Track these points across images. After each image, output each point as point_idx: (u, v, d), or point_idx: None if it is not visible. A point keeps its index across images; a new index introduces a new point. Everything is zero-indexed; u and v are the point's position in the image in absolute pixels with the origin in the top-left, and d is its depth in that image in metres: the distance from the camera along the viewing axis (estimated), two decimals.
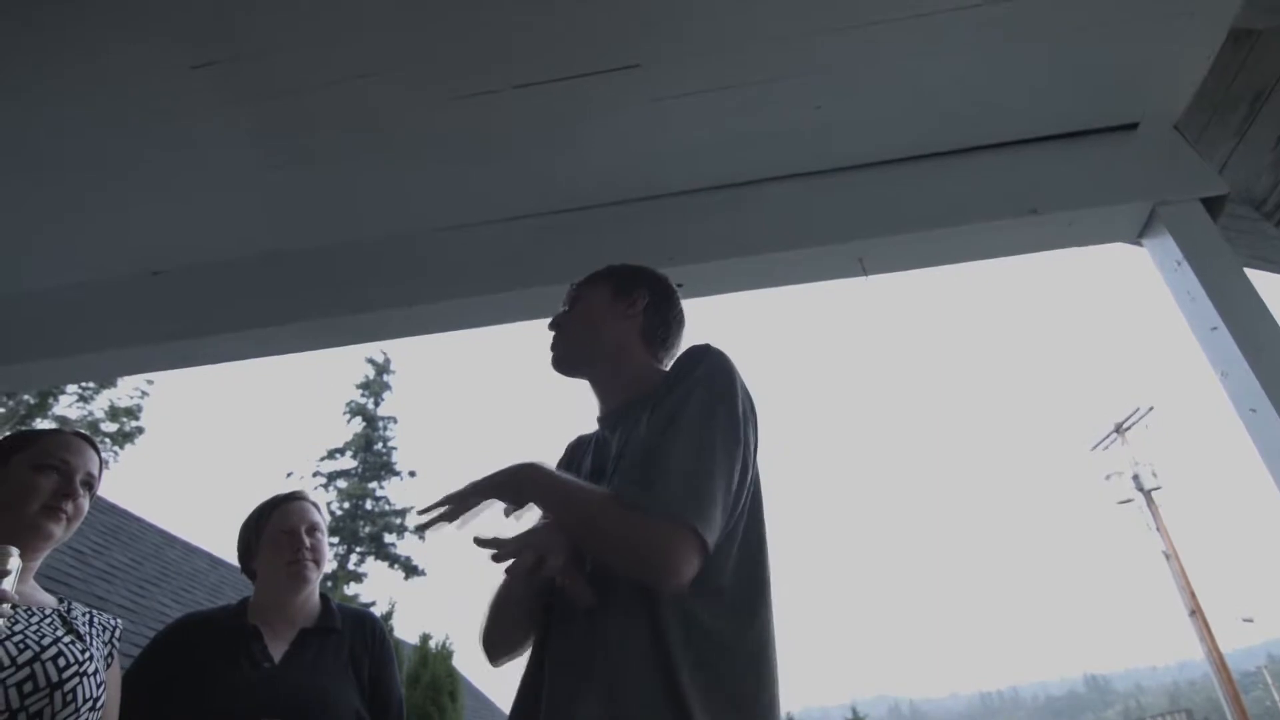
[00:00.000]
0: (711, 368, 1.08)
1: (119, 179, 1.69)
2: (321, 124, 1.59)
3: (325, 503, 20.30)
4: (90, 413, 16.83)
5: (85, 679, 1.17)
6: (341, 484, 20.98)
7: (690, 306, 1.41)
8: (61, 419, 16.24)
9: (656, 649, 0.94)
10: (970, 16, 1.44)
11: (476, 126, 1.60)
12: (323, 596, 1.75)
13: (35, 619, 1.20)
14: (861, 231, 1.69)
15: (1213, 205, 1.63)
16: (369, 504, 20.85)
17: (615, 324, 1.29)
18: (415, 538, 20.56)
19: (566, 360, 1.30)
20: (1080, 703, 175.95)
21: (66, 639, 1.20)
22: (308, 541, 1.69)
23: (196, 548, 7.09)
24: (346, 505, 20.36)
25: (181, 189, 1.74)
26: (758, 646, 0.98)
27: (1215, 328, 1.49)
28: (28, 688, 1.10)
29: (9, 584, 1.03)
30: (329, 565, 1.77)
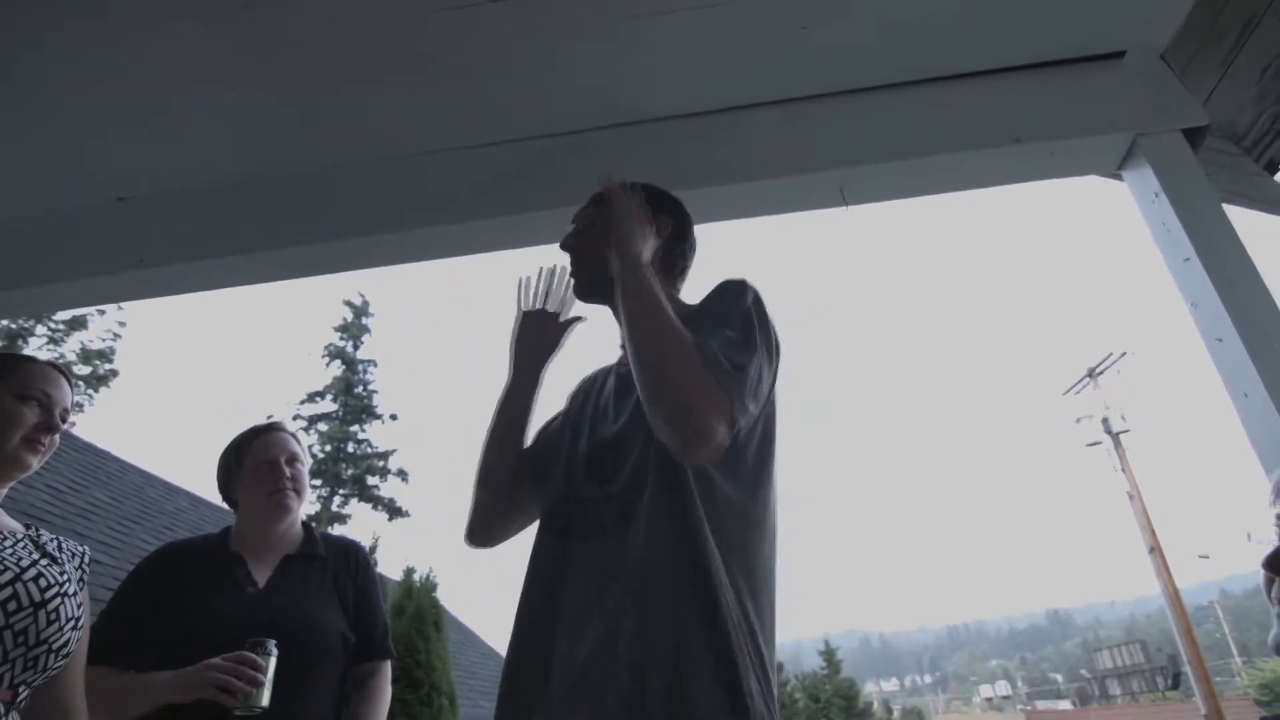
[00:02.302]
0: (757, 301, 1.12)
1: (78, 102, 1.63)
2: (292, 40, 1.52)
3: (307, 446, 20.29)
4: (61, 355, 16.56)
5: (66, 599, 1.18)
6: (323, 427, 20.96)
7: None
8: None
9: (687, 520, 0.99)
10: None
11: (454, 44, 1.55)
12: (305, 524, 1.76)
13: (9, 543, 1.20)
14: (843, 160, 1.67)
15: (1194, 137, 1.62)
16: (350, 447, 20.87)
17: None
18: (398, 480, 20.71)
19: (588, 288, 1.29)
20: (1042, 635, 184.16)
21: (43, 562, 1.20)
22: (288, 471, 1.70)
23: (177, 487, 7.09)
24: (328, 448, 20.37)
25: (143, 111, 1.68)
26: (764, 512, 1.05)
27: (1188, 259, 1.50)
28: (11, 606, 1.10)
29: None
30: (311, 504, 1.79)
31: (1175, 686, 26.30)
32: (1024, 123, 1.65)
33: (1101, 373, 18.51)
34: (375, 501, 20.41)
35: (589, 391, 1.31)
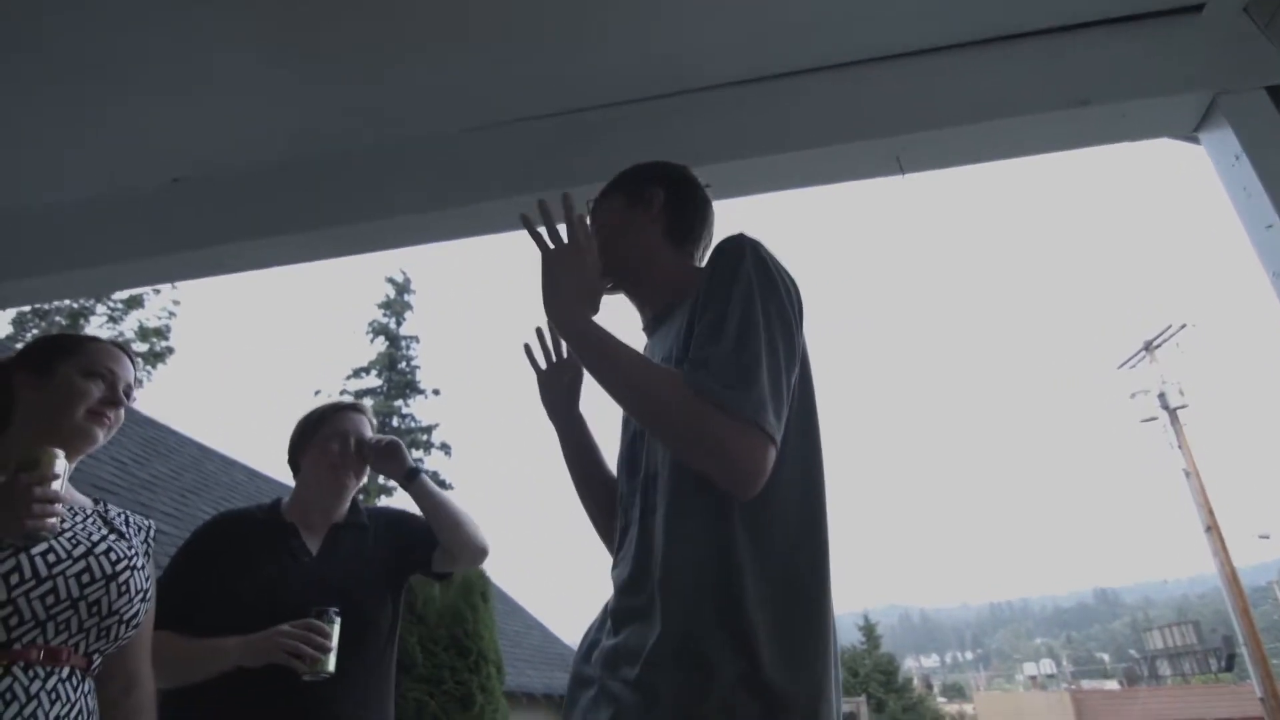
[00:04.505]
0: (755, 262, 1.02)
1: (136, 84, 1.65)
2: (340, 19, 1.51)
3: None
4: (120, 333, 17.18)
5: (135, 572, 1.23)
6: (367, 402, 21.39)
7: (719, 208, 1.37)
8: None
9: (699, 514, 0.95)
10: None
11: (501, 16, 1.52)
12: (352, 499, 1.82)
13: (80, 519, 1.25)
14: (899, 127, 1.61)
15: (1278, 95, 1.52)
16: (395, 421, 21.34)
17: (636, 236, 1.24)
18: (441, 454, 21.14)
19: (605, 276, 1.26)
20: (1089, 614, 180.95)
21: (112, 537, 1.25)
22: (354, 451, 1.78)
23: (234, 460, 7.33)
24: (374, 423, 20.86)
25: (198, 93, 1.69)
26: (811, 523, 0.98)
27: (1271, 225, 1.41)
28: (85, 578, 1.15)
29: (59, 486, 1.08)
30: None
31: (1229, 669, 25.62)
32: (1092, 83, 1.56)
33: (1159, 346, 17.86)
34: None
35: None
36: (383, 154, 1.85)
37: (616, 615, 0.99)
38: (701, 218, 1.29)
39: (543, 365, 1.37)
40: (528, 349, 1.38)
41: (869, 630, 28.88)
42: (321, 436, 1.78)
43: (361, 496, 1.89)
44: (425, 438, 21.39)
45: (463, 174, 1.80)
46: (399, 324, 22.68)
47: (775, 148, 1.64)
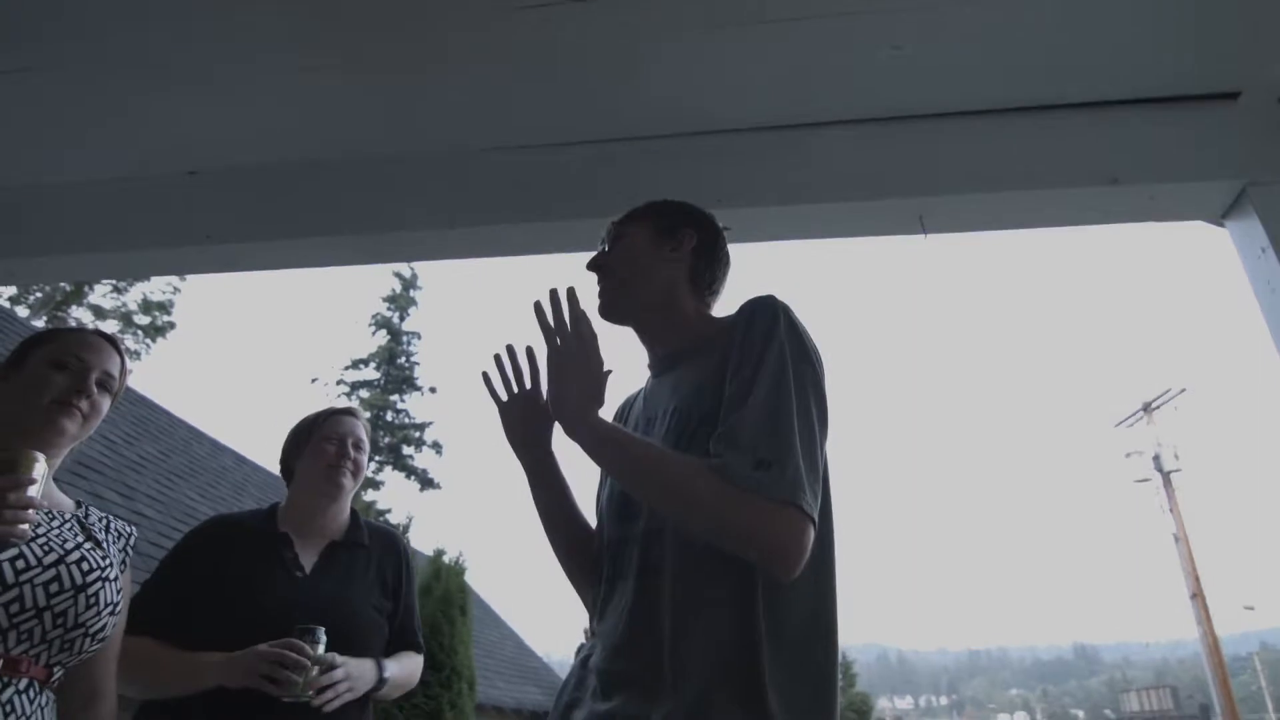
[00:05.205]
0: (787, 326, 1.00)
1: (162, 74, 1.63)
2: (373, 26, 1.50)
3: None
4: (124, 304, 17.18)
5: (107, 584, 1.19)
6: (364, 394, 21.42)
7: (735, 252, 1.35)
8: (96, 308, 16.61)
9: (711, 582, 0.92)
10: None
11: (535, 41, 1.50)
12: (353, 512, 1.78)
13: (57, 524, 1.21)
14: (924, 187, 1.60)
15: None
16: (389, 415, 21.31)
17: (662, 269, 1.20)
18: (432, 452, 21.07)
19: (615, 309, 1.21)
20: (1067, 669, 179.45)
21: (87, 545, 1.21)
22: (352, 454, 1.73)
23: (224, 445, 7.29)
24: (368, 415, 20.78)
25: (223, 87, 1.67)
26: (825, 599, 0.96)
27: None
28: (54, 588, 1.11)
29: (35, 491, 1.04)
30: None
31: None
32: (1122, 162, 1.55)
33: (1157, 408, 17.86)
34: (409, 471, 20.82)
35: (621, 421, 1.26)
36: (404, 166, 1.84)
37: (607, 678, 0.94)
38: (725, 272, 1.27)
39: (504, 397, 1.23)
40: (486, 378, 1.23)
41: (846, 668, 28.64)
42: (315, 441, 1.74)
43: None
44: (418, 434, 21.34)
45: (483, 194, 1.78)
46: (402, 319, 22.72)
47: (799, 197, 1.63)
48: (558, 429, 1.10)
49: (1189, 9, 1.42)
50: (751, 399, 0.93)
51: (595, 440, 1.00)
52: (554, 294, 1.07)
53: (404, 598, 1.73)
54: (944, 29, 1.46)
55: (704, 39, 1.50)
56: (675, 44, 1.52)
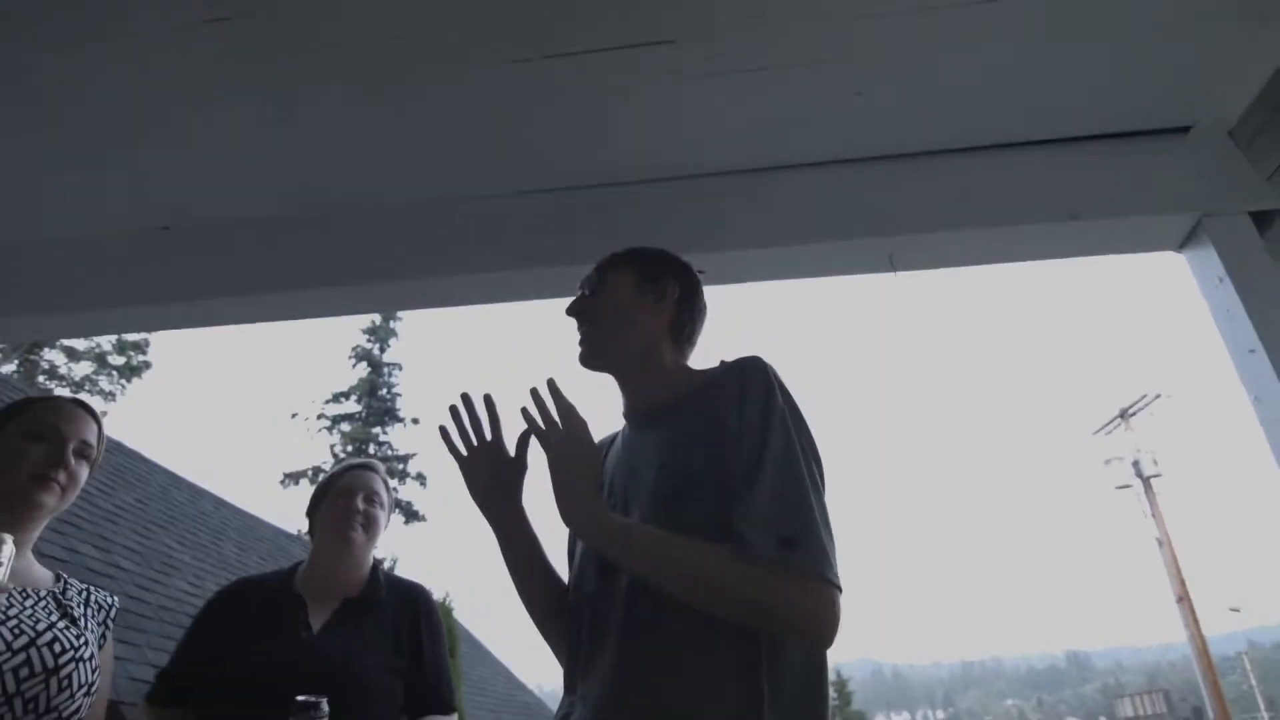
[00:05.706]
0: (784, 394, 1.01)
1: (136, 131, 1.64)
2: (340, 84, 1.52)
3: (329, 445, 20.54)
4: (98, 344, 16.92)
5: (80, 664, 1.16)
6: (345, 427, 21.16)
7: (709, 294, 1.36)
8: (69, 349, 16.35)
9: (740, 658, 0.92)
10: (1025, 6, 1.36)
11: (504, 94, 1.53)
12: (374, 567, 1.74)
13: (30, 602, 1.18)
14: (894, 227, 1.63)
15: (1261, 220, 1.56)
16: (372, 448, 21.04)
17: (644, 319, 1.19)
18: (416, 484, 20.83)
19: (597, 356, 1.19)
20: (1060, 677, 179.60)
21: (61, 624, 1.19)
22: (362, 506, 1.71)
23: (203, 489, 7.16)
24: (350, 449, 20.55)
25: (195, 144, 1.68)
26: (820, 665, 0.97)
27: (1253, 350, 1.44)
28: (24, 673, 1.09)
29: (2, 574, 1.01)
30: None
31: None
32: (1083, 198, 1.60)
33: (1134, 414, 18.10)
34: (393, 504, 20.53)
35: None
36: (378, 217, 1.84)
37: None
38: (701, 323, 1.27)
39: (464, 452, 1.16)
40: (444, 432, 1.16)
41: (840, 686, 28.52)
42: (331, 496, 1.72)
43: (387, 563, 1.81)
44: (401, 466, 21.09)
45: (459, 243, 1.79)
46: (383, 350, 22.53)
47: (771, 240, 1.66)
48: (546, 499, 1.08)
49: (1142, 47, 1.47)
50: (763, 475, 0.93)
51: (606, 537, 0.99)
52: (536, 393, 1.05)
53: (426, 655, 1.66)
54: (904, 74, 1.51)
55: (671, 91, 1.53)
56: (644, 95, 1.55)
